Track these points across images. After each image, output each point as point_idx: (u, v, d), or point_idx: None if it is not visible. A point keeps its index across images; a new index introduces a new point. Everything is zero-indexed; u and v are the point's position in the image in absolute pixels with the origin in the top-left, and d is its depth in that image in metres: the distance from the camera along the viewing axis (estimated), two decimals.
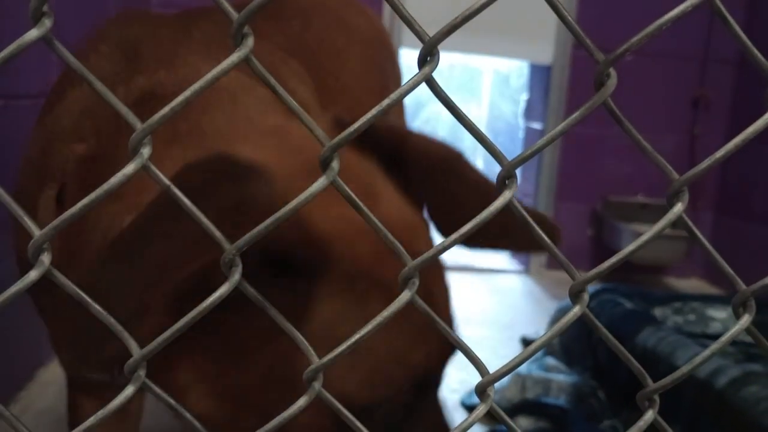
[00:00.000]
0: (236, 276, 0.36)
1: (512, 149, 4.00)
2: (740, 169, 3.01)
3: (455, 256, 3.17)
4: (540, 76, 3.18)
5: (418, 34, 0.38)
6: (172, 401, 0.37)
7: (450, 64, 4.62)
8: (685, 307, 2.05)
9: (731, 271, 0.42)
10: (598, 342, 1.74)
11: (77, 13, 1.73)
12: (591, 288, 1.94)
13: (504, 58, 3.48)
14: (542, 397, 1.72)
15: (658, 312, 2.00)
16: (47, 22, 0.35)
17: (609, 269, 0.40)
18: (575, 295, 0.41)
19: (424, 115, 4.75)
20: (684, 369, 0.42)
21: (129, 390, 0.35)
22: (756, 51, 0.41)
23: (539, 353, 1.98)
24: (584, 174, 3.16)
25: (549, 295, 2.88)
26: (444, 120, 4.62)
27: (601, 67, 0.39)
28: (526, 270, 3.19)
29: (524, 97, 3.38)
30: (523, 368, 1.83)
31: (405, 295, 0.40)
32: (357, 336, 0.40)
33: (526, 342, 2.26)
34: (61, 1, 1.59)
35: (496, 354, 2.14)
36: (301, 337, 0.40)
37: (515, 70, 4.32)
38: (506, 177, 0.39)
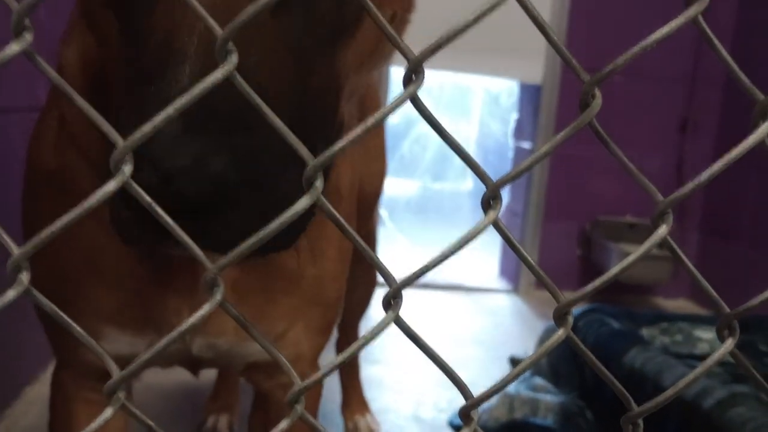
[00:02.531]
0: (218, 296, 0.36)
1: (502, 168, 4.01)
2: (726, 191, 3.03)
3: (444, 275, 3.17)
4: (530, 95, 3.20)
5: (403, 52, 0.38)
6: (150, 422, 0.36)
7: (440, 82, 4.64)
8: (672, 327, 2.05)
9: (715, 294, 0.42)
10: (586, 362, 1.73)
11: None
12: (578, 308, 1.94)
13: (494, 77, 3.49)
14: (530, 417, 1.71)
15: (645, 332, 2.00)
16: (28, 37, 0.34)
17: (593, 291, 0.40)
18: (560, 318, 0.41)
19: (413, 134, 4.76)
20: (668, 392, 0.42)
21: (108, 412, 0.35)
22: (741, 73, 0.41)
23: (527, 373, 1.98)
24: (573, 194, 3.17)
25: (538, 315, 2.87)
26: (434, 139, 4.63)
27: (586, 87, 0.39)
28: (515, 289, 3.19)
29: (514, 116, 3.40)
30: (511, 388, 1.82)
31: (390, 316, 0.40)
32: (341, 358, 0.40)
33: (514, 362, 2.25)
34: (52, 13, 1.59)
35: (485, 374, 2.13)
36: (287, 364, 0.40)
37: (505, 90, 4.35)
38: (491, 197, 0.39)
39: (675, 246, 0.41)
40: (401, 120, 4.64)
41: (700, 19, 0.39)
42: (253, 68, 0.49)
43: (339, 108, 0.62)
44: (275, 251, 0.49)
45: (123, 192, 0.40)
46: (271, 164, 0.47)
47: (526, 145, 3.23)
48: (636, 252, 0.41)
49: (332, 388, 1.72)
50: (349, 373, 1.72)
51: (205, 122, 0.44)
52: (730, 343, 0.44)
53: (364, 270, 1.56)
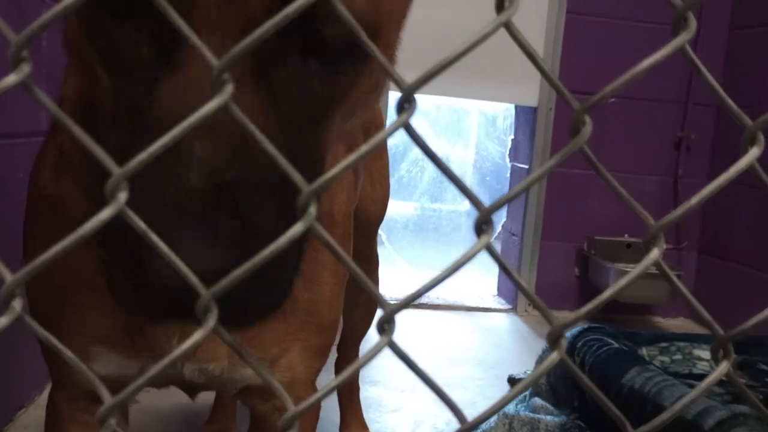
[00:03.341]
0: (211, 322, 0.36)
1: (499, 189, 4.02)
2: (723, 210, 3.04)
3: (442, 294, 3.16)
4: (526, 117, 3.22)
5: (397, 81, 0.39)
6: None
7: (437, 105, 4.67)
8: (672, 347, 2.05)
9: (708, 316, 0.42)
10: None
11: None
12: (577, 328, 1.94)
13: (490, 101, 3.52)
14: None
15: (644, 352, 2.00)
16: (26, 68, 0.35)
17: (587, 314, 0.40)
18: (553, 341, 0.41)
19: (411, 156, 4.78)
20: (664, 415, 0.42)
21: None
22: (729, 99, 0.42)
23: (526, 394, 1.97)
24: (570, 213, 3.18)
25: (536, 334, 2.87)
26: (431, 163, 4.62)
27: (576, 114, 0.39)
28: (513, 309, 3.19)
29: (510, 138, 3.42)
30: (510, 409, 1.82)
31: (383, 340, 0.40)
32: (335, 382, 0.40)
33: (513, 382, 2.24)
34: (53, 41, 1.60)
35: (483, 394, 2.12)
36: (281, 389, 0.40)
37: (502, 112, 4.37)
38: (483, 222, 0.40)
39: (667, 269, 0.41)
40: (399, 142, 4.66)
41: (687, 47, 0.40)
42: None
43: (321, 147, 0.60)
44: (266, 314, 0.49)
45: (127, 266, 0.41)
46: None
47: (524, 166, 3.24)
48: (628, 275, 0.41)
49: (331, 407, 1.71)
50: (348, 394, 1.71)
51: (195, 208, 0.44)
52: (724, 366, 0.44)
53: (363, 291, 1.55)
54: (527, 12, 3.00)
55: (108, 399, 0.35)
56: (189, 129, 0.36)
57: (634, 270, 0.40)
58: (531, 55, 0.38)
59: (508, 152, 3.44)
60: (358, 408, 1.74)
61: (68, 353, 0.35)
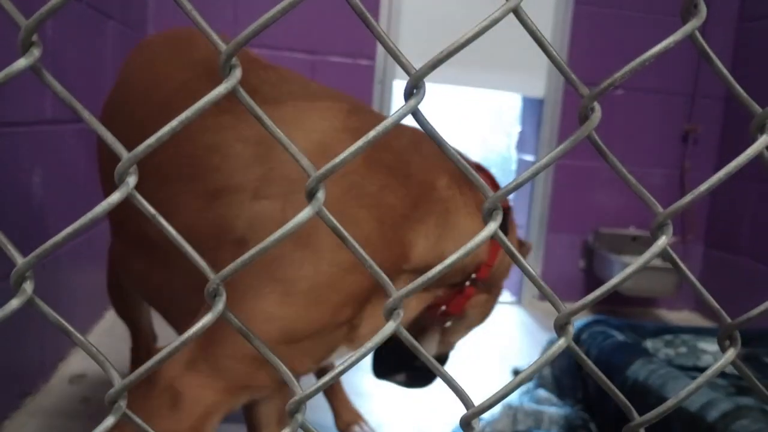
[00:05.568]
0: (220, 306, 0.36)
1: (505, 181, 4.01)
2: (729, 204, 3.03)
3: None
4: (532, 108, 3.21)
5: (405, 67, 0.39)
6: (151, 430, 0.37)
7: (443, 96, 4.66)
8: (676, 339, 2.05)
9: (716, 304, 0.42)
10: (589, 374, 1.73)
11: (75, 40, 1.75)
12: (582, 320, 1.94)
13: (497, 91, 3.51)
14: (533, 430, 1.71)
15: (649, 344, 2.00)
16: (36, 52, 0.35)
17: (594, 301, 0.40)
18: (560, 328, 0.41)
19: None
20: (669, 403, 0.42)
21: (109, 421, 0.35)
22: (738, 87, 0.42)
23: (530, 385, 1.97)
24: (576, 206, 3.18)
25: (541, 327, 2.87)
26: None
27: (585, 101, 0.39)
28: (518, 301, 3.19)
29: (517, 129, 3.41)
30: (514, 400, 1.82)
31: (389, 326, 0.40)
32: (341, 367, 0.40)
33: (517, 373, 2.24)
34: (58, 29, 1.61)
35: (488, 386, 2.12)
36: (288, 373, 0.40)
37: (508, 103, 4.36)
38: (492, 209, 0.40)
39: (675, 256, 0.41)
40: None
41: (697, 34, 0.39)
42: None
43: None
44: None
45: None
46: None
47: (530, 157, 3.24)
48: (636, 263, 0.41)
49: (324, 405, 1.71)
50: (330, 387, 1.72)
51: None
52: (731, 353, 0.44)
53: None
54: (535, 4, 2.98)
55: (118, 381, 0.35)
56: (198, 113, 0.36)
57: (643, 256, 0.40)
58: (539, 40, 0.38)
59: (515, 144, 3.43)
60: (343, 397, 1.74)
61: (78, 336, 0.35)
